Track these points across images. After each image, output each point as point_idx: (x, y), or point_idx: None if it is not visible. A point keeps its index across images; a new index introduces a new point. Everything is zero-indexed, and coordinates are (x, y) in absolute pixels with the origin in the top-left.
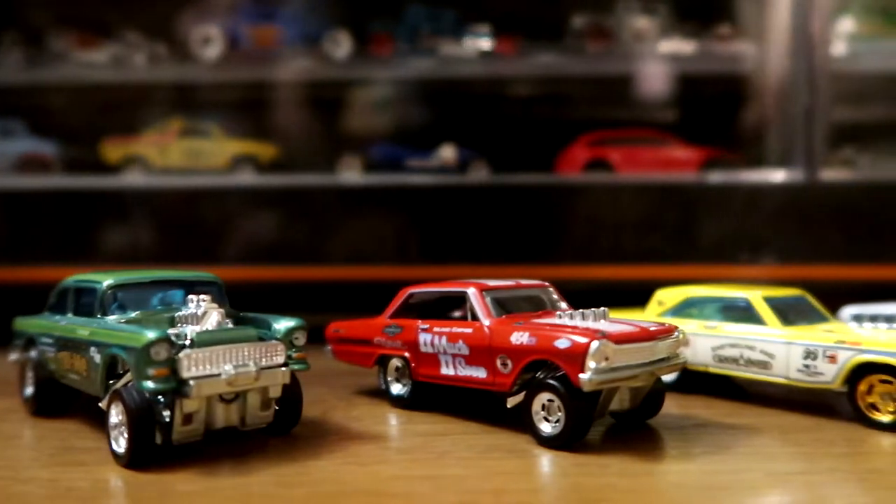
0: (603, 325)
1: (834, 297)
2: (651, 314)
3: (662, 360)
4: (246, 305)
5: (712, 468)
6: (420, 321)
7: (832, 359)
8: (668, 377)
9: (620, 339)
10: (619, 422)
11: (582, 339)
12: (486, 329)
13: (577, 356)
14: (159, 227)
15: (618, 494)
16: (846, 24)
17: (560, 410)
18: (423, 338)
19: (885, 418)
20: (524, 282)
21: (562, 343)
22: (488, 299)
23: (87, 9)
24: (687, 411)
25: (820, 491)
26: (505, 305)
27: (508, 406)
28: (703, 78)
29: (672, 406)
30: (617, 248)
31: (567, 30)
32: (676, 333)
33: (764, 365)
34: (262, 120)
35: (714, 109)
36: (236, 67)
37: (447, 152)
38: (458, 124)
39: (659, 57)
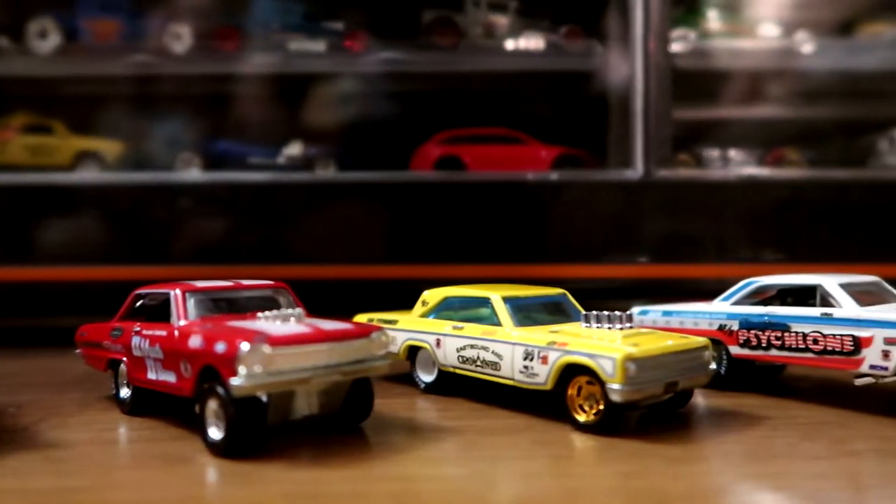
0: (278, 327)
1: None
2: (415, 315)
3: (357, 362)
4: None
5: (404, 472)
6: (136, 324)
7: (544, 360)
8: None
9: (284, 342)
10: (320, 425)
11: (236, 343)
12: (175, 332)
13: (231, 360)
14: None
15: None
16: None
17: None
18: (135, 341)
19: (582, 418)
20: (246, 282)
21: (219, 347)
22: (192, 301)
23: None
24: (424, 414)
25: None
26: (213, 307)
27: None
28: (554, 76)
29: (409, 409)
30: (463, 247)
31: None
32: (374, 335)
33: (495, 366)
34: (107, 116)
35: (566, 108)
36: (75, 61)
37: (293, 149)
38: (310, 121)
39: (509, 54)
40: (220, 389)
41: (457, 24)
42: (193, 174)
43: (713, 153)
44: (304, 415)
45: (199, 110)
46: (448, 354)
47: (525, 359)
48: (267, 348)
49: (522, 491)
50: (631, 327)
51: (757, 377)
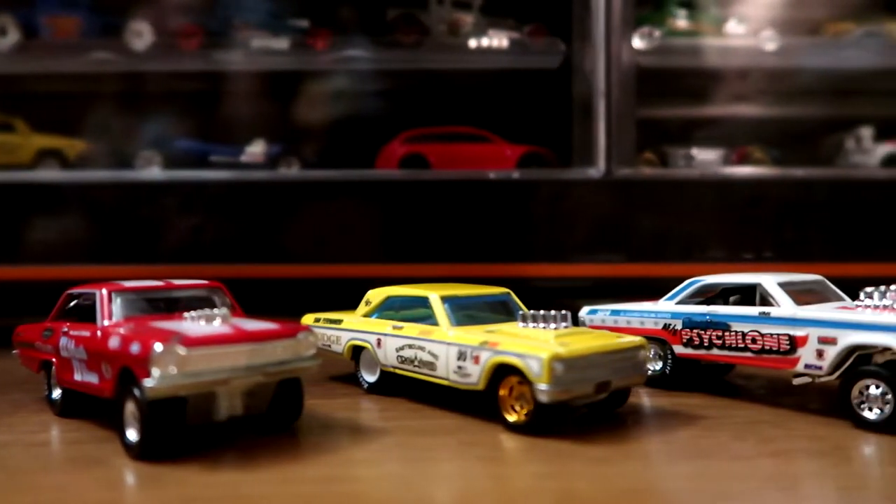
0: (197, 328)
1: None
2: (358, 314)
3: (281, 362)
4: None
5: (322, 474)
6: (66, 324)
7: (476, 360)
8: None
9: (201, 343)
10: (253, 426)
11: (150, 344)
12: (98, 332)
13: (144, 361)
14: None
15: None
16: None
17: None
18: (62, 342)
19: (513, 418)
20: (178, 282)
21: (134, 348)
22: (118, 301)
23: None
24: (360, 415)
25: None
26: (142, 308)
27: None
28: (519, 74)
29: (348, 409)
30: (427, 246)
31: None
32: (301, 335)
33: (431, 366)
34: (69, 113)
35: (532, 106)
36: (35, 58)
37: (256, 148)
38: (274, 119)
39: (473, 52)
40: (136, 391)
41: (420, 21)
42: (154, 172)
43: (678, 152)
44: (228, 416)
45: (161, 108)
46: (388, 354)
47: (459, 359)
48: (181, 349)
49: (432, 492)
50: (567, 327)
51: (704, 376)
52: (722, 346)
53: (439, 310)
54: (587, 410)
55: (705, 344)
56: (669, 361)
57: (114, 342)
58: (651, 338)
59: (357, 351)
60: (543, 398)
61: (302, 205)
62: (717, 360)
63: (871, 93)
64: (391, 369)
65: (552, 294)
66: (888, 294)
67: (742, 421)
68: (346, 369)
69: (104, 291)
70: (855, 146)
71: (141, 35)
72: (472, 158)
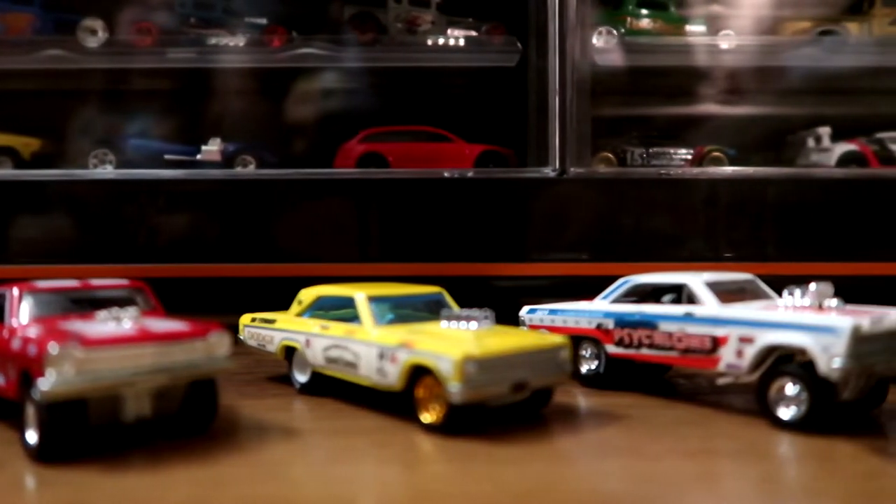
0: (100, 329)
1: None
2: (291, 314)
3: (190, 363)
4: None
5: (211, 476)
6: None
7: (394, 360)
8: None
9: (100, 344)
10: (170, 428)
11: (46, 345)
12: (4, 333)
13: (41, 363)
14: None
15: None
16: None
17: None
18: None
19: (428, 419)
20: (96, 282)
21: (32, 349)
22: (28, 301)
23: None
24: (282, 415)
25: None
26: (55, 308)
27: None
28: (477, 72)
29: (273, 410)
30: (384, 245)
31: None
32: (213, 336)
33: (354, 366)
34: (22, 111)
35: (491, 105)
36: None
37: (212, 146)
38: (232, 118)
39: (431, 50)
40: (34, 392)
41: (377, 19)
42: (107, 171)
43: (636, 150)
44: (136, 418)
45: (115, 106)
46: (316, 354)
47: (379, 359)
48: (79, 351)
49: (319, 496)
50: (489, 326)
51: (645, 375)
52: (650, 346)
53: (364, 310)
54: (518, 410)
55: (635, 343)
56: (603, 361)
57: (16, 343)
58: (586, 337)
59: (290, 351)
60: (456, 398)
61: (258, 204)
62: (646, 359)
63: (830, 92)
64: (320, 369)
65: (512, 293)
66: (807, 293)
67: (664, 421)
68: (284, 369)
69: (14, 291)
70: (815, 145)
71: (94, 32)
72: (430, 157)
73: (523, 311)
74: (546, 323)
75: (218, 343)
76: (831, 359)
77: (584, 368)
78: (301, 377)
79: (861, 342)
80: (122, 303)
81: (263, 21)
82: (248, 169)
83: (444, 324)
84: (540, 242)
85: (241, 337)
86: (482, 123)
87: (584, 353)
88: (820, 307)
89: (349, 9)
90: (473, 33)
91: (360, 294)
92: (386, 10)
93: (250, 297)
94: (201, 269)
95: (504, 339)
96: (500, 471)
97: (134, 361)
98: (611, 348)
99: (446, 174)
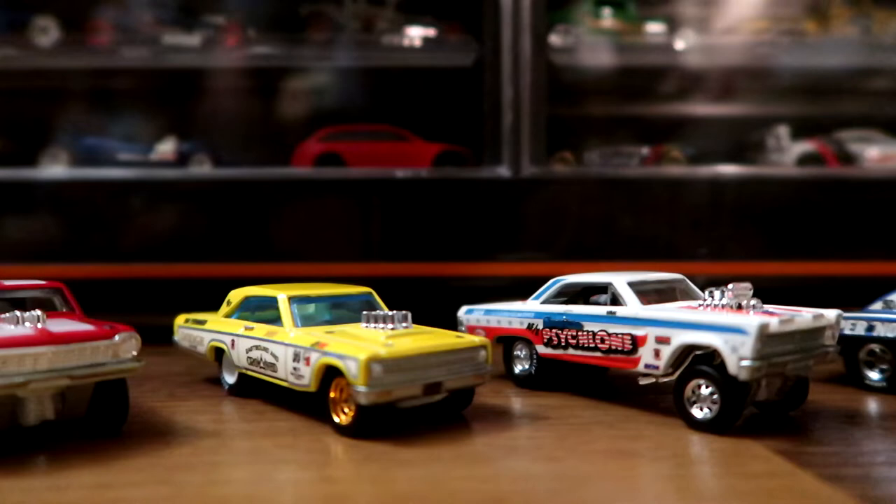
0: (5, 330)
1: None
2: (220, 315)
3: (93, 365)
4: None
5: (106, 480)
6: None
7: (307, 361)
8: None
9: None
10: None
11: None
12: None
13: None
14: None
15: None
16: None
17: None
18: None
19: (340, 420)
20: (9, 283)
21: None
22: None
23: None
24: (201, 416)
25: None
26: None
27: None
28: (435, 72)
29: (194, 412)
30: (342, 245)
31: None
32: (120, 337)
33: (273, 368)
34: None
35: (451, 105)
36: None
37: (166, 146)
38: (188, 117)
39: (388, 49)
40: None
41: (332, 18)
42: (58, 170)
43: (595, 151)
44: (38, 420)
45: (68, 106)
46: (240, 355)
47: (294, 360)
48: None
49: (192, 496)
50: (406, 327)
51: (585, 376)
52: (576, 346)
53: (285, 310)
54: (445, 410)
55: (562, 344)
56: (535, 361)
57: None
58: (519, 337)
59: (220, 352)
60: (362, 400)
61: (213, 204)
62: (573, 359)
63: (790, 91)
64: (244, 371)
65: (473, 294)
66: (726, 293)
67: (581, 422)
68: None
69: None
70: (776, 144)
71: (47, 31)
72: (388, 157)
73: (461, 312)
74: (482, 323)
75: (126, 344)
76: (739, 359)
77: (517, 369)
78: (230, 378)
79: (769, 342)
80: (38, 304)
81: (220, 20)
82: (203, 169)
83: (363, 325)
84: (497, 242)
85: (175, 339)
86: (442, 123)
87: (518, 353)
88: (739, 307)
89: (305, 7)
90: (431, 32)
91: (281, 295)
92: (342, 9)
93: (202, 298)
94: (152, 269)
95: (418, 340)
96: (393, 473)
97: (30, 363)
98: (541, 349)
99: (399, 174)
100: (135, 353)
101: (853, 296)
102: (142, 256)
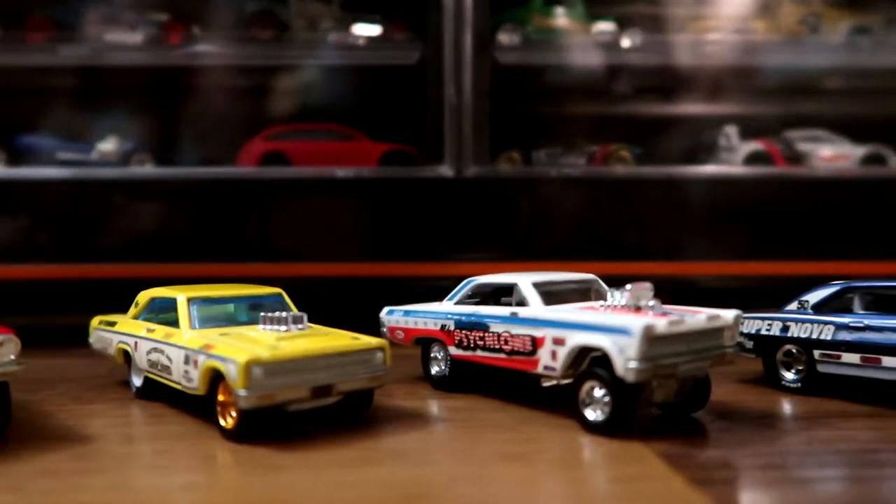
0: None
1: None
2: (128, 316)
3: None
4: None
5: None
6: None
7: (195, 364)
8: None
9: None
10: None
11: None
12: None
13: None
14: None
15: None
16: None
17: None
18: None
19: (226, 424)
20: None
21: None
22: None
23: None
24: (97, 420)
25: None
26: None
27: None
28: (380, 70)
29: (92, 416)
30: (286, 245)
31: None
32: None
33: (168, 370)
34: None
35: (397, 104)
36: None
37: (108, 145)
38: (130, 116)
39: (333, 47)
40: None
41: (277, 16)
42: None
43: (542, 151)
44: None
45: (4, 103)
46: (142, 358)
47: (185, 363)
48: None
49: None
50: (302, 328)
51: (508, 378)
52: (483, 348)
53: (183, 312)
54: (342, 413)
55: (471, 345)
56: (448, 363)
57: None
58: (434, 339)
59: (128, 355)
60: (242, 403)
61: (155, 203)
62: (480, 361)
63: (740, 90)
64: (146, 373)
65: (425, 294)
66: (625, 294)
67: (480, 424)
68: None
69: None
70: (725, 144)
71: None
72: (334, 156)
73: (383, 312)
74: (401, 324)
75: (3, 348)
76: (626, 360)
77: (433, 370)
78: (137, 381)
79: (657, 344)
80: None
81: (163, 17)
82: (145, 168)
83: (261, 326)
84: (441, 242)
85: (90, 341)
86: (391, 123)
87: (435, 354)
88: (637, 308)
89: (250, 5)
90: (376, 30)
91: (181, 296)
92: (287, 7)
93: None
94: (91, 269)
95: (308, 342)
96: (259, 478)
97: None
98: (453, 350)
99: (339, 173)
100: (13, 356)
101: (795, 295)
102: (80, 257)
